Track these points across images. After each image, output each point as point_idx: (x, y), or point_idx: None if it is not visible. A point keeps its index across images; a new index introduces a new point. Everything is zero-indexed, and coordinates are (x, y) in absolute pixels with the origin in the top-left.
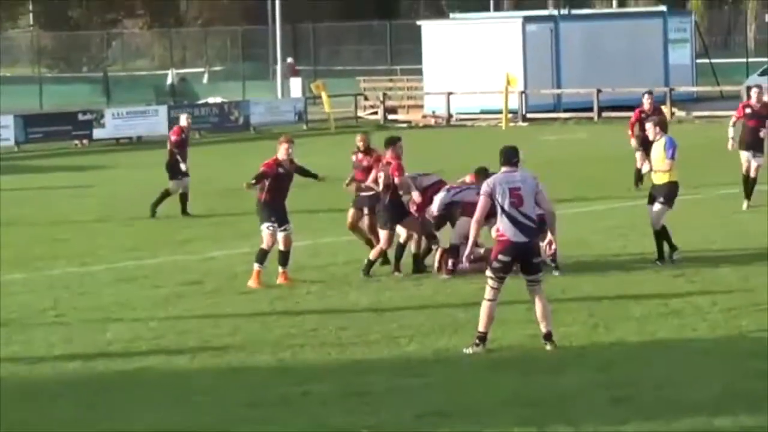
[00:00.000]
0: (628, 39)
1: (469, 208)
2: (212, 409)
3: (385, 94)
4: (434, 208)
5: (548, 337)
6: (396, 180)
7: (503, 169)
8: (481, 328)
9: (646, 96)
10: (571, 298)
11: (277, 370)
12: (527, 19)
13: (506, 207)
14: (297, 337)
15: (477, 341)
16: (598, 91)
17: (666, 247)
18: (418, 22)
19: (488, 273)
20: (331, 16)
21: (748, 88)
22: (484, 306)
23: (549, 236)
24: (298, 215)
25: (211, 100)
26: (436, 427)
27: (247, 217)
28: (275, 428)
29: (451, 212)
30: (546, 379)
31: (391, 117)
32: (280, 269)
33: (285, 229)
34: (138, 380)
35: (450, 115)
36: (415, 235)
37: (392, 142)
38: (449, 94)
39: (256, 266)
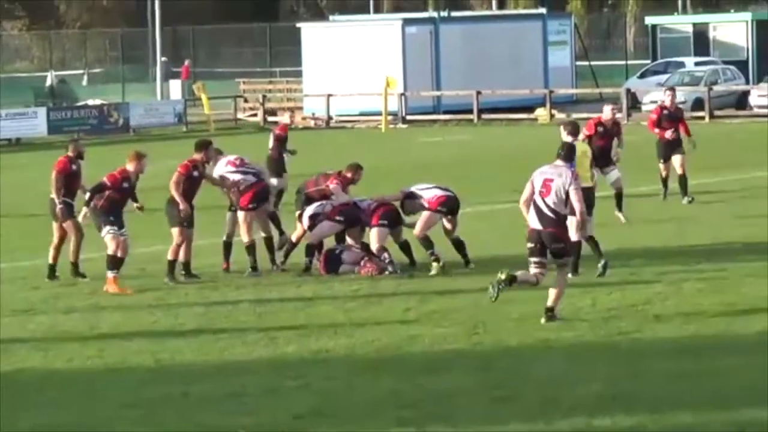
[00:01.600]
0: (507, 41)
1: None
2: (91, 409)
3: (264, 96)
4: (304, 221)
5: (550, 310)
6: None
7: (556, 161)
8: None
9: (668, 92)
10: (450, 298)
11: (156, 370)
12: (407, 22)
13: (536, 195)
14: (176, 337)
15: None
16: (478, 93)
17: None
18: (298, 25)
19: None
20: (210, 18)
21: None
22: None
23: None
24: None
25: (90, 102)
26: (315, 427)
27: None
28: (154, 429)
29: (316, 222)
30: (425, 380)
31: (270, 119)
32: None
33: (123, 234)
34: (16, 381)
35: (330, 117)
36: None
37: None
38: (329, 96)
39: (108, 273)
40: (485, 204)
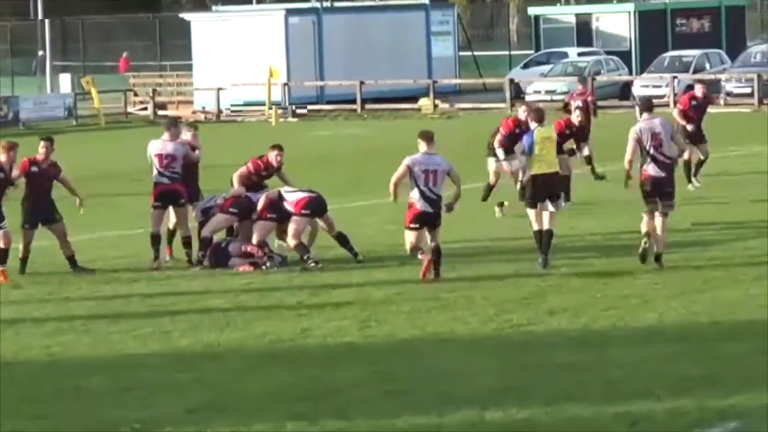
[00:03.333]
0: (391, 31)
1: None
2: None
3: (154, 90)
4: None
5: (659, 257)
6: None
7: (644, 116)
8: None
9: (699, 85)
10: (341, 292)
11: (48, 364)
12: (290, 12)
13: (650, 149)
14: (68, 332)
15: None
16: (361, 83)
17: None
18: (186, 17)
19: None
20: (99, 9)
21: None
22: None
23: None
24: (64, 211)
25: None
26: (208, 421)
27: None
28: (47, 423)
29: (209, 215)
30: (318, 373)
31: (161, 113)
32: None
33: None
34: None
35: (220, 111)
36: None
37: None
38: (219, 89)
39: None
40: (377, 197)
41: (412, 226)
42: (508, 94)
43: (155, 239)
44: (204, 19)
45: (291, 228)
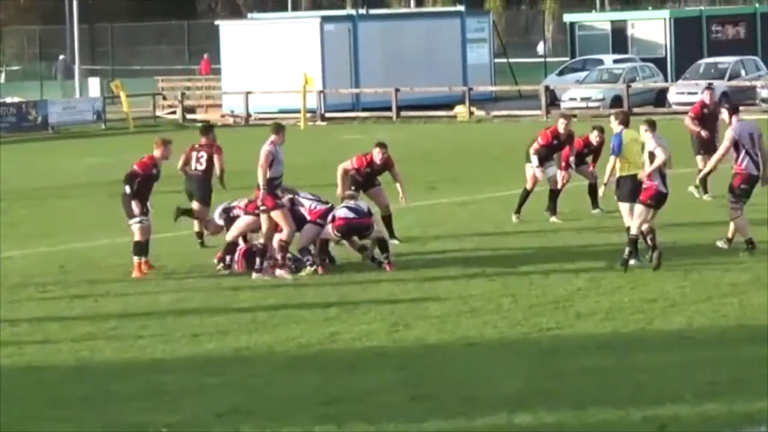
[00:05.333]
0: (426, 39)
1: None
2: (12, 408)
3: (183, 94)
4: (216, 218)
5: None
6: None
7: (737, 118)
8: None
9: (707, 92)
10: (370, 296)
11: (77, 368)
12: (325, 19)
13: (749, 149)
14: (97, 336)
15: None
16: (397, 90)
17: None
18: (216, 22)
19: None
20: (128, 16)
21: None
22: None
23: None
24: (96, 217)
25: (8, 99)
26: (237, 425)
27: (44, 219)
28: (75, 427)
29: (229, 216)
30: (346, 378)
31: (189, 116)
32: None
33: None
34: None
35: (249, 115)
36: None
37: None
38: (247, 93)
39: (135, 259)
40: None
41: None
42: (543, 102)
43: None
44: (233, 24)
45: (302, 234)
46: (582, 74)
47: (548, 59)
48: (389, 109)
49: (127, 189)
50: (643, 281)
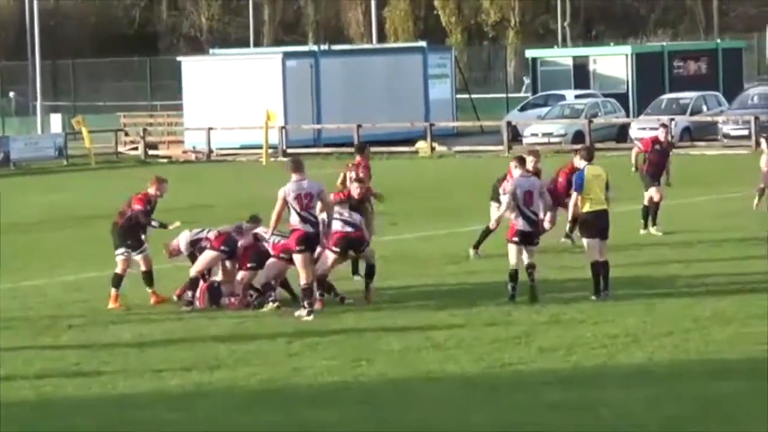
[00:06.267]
0: (388, 74)
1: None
2: None
3: (145, 130)
4: (182, 247)
5: None
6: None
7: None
8: None
9: (663, 129)
10: (333, 331)
11: (39, 404)
12: (287, 55)
13: None
14: (59, 372)
15: None
16: (359, 126)
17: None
18: (178, 58)
19: None
20: (91, 52)
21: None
22: None
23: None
24: (59, 253)
25: None
26: None
27: (7, 256)
28: None
29: (195, 250)
30: (308, 413)
31: (151, 152)
32: (150, 290)
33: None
34: None
35: (210, 151)
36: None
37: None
38: (209, 129)
39: (113, 291)
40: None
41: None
42: (505, 137)
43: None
44: (195, 60)
45: (264, 271)
46: (544, 110)
47: (510, 95)
48: (351, 144)
49: (150, 221)
50: (605, 316)
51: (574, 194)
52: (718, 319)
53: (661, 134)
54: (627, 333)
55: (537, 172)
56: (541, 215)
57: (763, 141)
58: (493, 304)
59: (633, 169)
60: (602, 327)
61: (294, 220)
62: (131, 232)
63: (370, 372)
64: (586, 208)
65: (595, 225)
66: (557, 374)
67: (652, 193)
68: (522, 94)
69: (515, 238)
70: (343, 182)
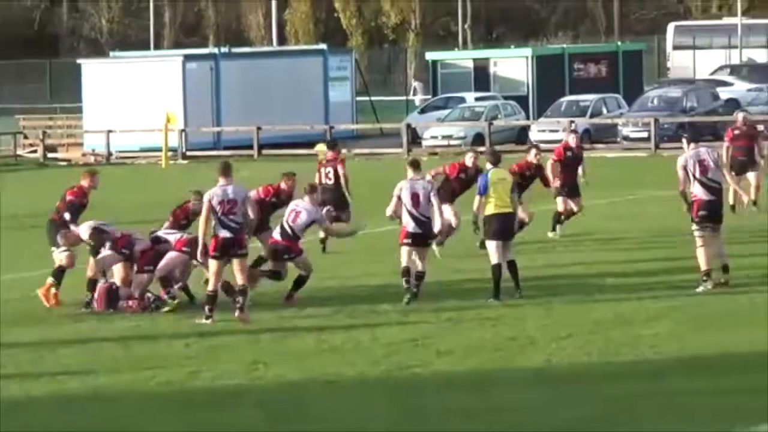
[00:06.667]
0: (288, 77)
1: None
2: None
3: (44, 133)
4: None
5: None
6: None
7: (697, 148)
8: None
9: (573, 135)
10: (231, 334)
11: None
12: (187, 58)
13: (699, 175)
14: None
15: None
16: (258, 128)
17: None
18: (78, 61)
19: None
20: None
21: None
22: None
23: None
24: None
25: None
26: None
27: None
28: None
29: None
30: (206, 417)
31: (51, 155)
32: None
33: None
34: None
35: (110, 153)
36: None
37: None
38: (109, 132)
39: (50, 279)
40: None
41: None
42: (405, 140)
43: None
44: (94, 62)
45: (163, 262)
46: (444, 112)
47: (410, 97)
48: (251, 147)
49: (67, 216)
50: (504, 318)
51: (477, 197)
52: (618, 321)
53: (571, 140)
54: (525, 335)
55: (478, 169)
56: (435, 218)
57: None
58: (391, 308)
59: (553, 182)
60: (500, 329)
61: (214, 224)
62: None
63: (268, 375)
64: (490, 211)
65: (498, 227)
66: (455, 377)
67: (562, 202)
68: (410, 98)
69: (406, 240)
70: (319, 179)
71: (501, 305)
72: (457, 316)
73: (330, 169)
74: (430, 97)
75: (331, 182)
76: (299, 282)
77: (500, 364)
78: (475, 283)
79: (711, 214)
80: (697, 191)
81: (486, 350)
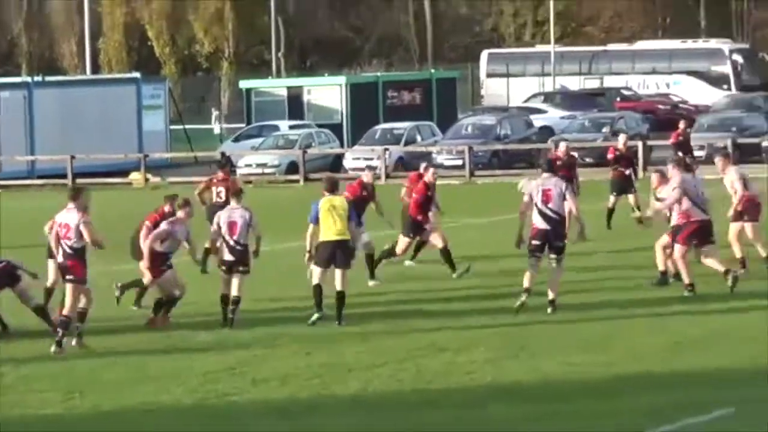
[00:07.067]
0: (102, 105)
1: None
2: None
3: None
4: None
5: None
6: None
7: (544, 175)
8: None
9: (431, 170)
10: (45, 363)
11: None
12: (0, 86)
13: (538, 203)
14: None
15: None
16: (72, 157)
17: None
18: None
19: None
20: None
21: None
22: None
23: None
24: None
25: None
26: None
27: None
28: None
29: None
30: None
31: None
32: None
33: None
34: None
35: None
36: None
37: None
38: None
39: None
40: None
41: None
42: None
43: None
44: None
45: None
46: (258, 140)
47: (224, 125)
48: (65, 176)
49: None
50: (319, 346)
51: (311, 226)
52: (432, 348)
53: (429, 175)
54: (341, 363)
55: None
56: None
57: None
58: (209, 334)
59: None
60: (316, 357)
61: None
62: None
63: (84, 404)
64: (321, 238)
65: (326, 254)
66: (271, 405)
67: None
68: (212, 126)
69: (223, 267)
70: (202, 193)
71: (316, 331)
72: (272, 343)
73: (222, 189)
74: (224, 125)
75: (221, 201)
76: (156, 304)
77: (317, 391)
78: (291, 311)
79: (542, 244)
80: (536, 220)
81: (302, 378)
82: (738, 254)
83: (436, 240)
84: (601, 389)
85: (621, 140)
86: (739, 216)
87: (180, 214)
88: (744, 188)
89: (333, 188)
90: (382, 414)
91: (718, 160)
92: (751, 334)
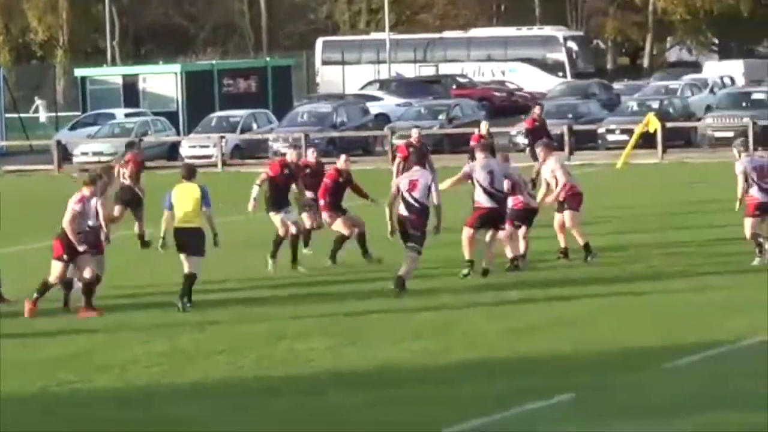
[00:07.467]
0: None
1: None
2: None
3: None
4: None
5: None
6: None
7: (414, 168)
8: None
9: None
10: None
11: None
12: None
13: (404, 192)
14: None
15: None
16: None
17: None
18: None
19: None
20: None
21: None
22: None
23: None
24: None
25: None
26: None
27: None
28: None
29: None
30: None
31: None
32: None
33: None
34: None
35: None
36: None
37: None
38: None
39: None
40: None
41: None
42: (55, 156)
43: None
44: None
45: None
46: (94, 128)
47: (60, 114)
48: None
49: None
50: (157, 334)
51: (166, 212)
52: (271, 336)
53: (290, 155)
54: (180, 350)
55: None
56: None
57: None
58: (51, 320)
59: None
60: (154, 345)
61: None
62: None
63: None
64: (175, 225)
65: (179, 242)
66: (111, 393)
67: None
68: (32, 115)
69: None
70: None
71: (154, 319)
72: (114, 330)
73: (126, 171)
74: (53, 114)
75: (127, 182)
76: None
77: (156, 379)
78: (132, 298)
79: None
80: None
81: (141, 365)
82: (562, 244)
83: (338, 227)
84: (438, 376)
85: (483, 127)
86: (561, 206)
87: (84, 191)
88: (565, 177)
89: (190, 175)
90: (223, 401)
91: (539, 149)
92: (584, 320)
